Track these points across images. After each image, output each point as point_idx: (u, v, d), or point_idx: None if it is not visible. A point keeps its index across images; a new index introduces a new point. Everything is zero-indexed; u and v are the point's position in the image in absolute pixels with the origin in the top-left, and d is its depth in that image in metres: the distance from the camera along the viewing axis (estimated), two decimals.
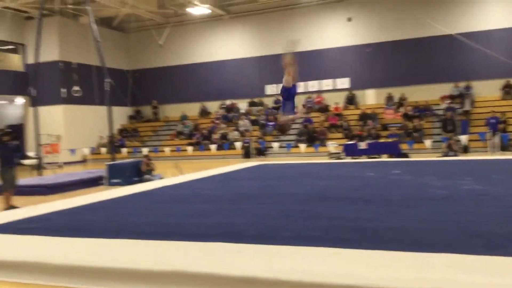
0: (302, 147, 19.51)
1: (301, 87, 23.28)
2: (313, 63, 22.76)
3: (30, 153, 18.50)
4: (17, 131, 19.05)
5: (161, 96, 25.93)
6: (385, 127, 20.14)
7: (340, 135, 20.55)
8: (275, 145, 20.33)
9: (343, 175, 10.90)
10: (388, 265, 3.76)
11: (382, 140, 18.19)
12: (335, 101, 22.38)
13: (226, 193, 8.96)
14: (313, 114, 22.25)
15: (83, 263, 4.28)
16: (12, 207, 8.72)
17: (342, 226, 5.39)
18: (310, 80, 23.07)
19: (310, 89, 23.21)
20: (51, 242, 5.19)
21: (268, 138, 21.61)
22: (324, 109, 22.42)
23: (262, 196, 8.18)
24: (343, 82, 22.74)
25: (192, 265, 4.01)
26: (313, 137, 20.50)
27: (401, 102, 21.12)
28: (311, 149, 19.50)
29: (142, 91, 23.69)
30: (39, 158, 15.72)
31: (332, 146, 18.38)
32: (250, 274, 3.73)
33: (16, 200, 9.14)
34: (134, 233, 5.38)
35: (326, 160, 16.90)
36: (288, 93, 7.19)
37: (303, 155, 19.05)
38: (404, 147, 17.34)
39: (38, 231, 5.81)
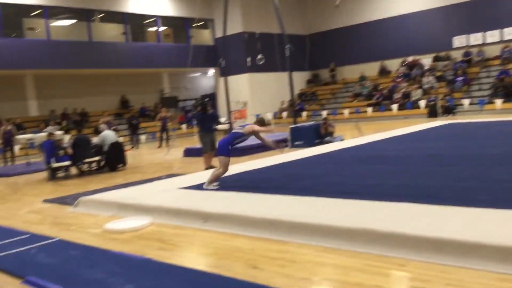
0: (498, 103, 17.42)
1: (495, 35, 20.71)
2: (510, 7, 19.91)
3: (222, 119, 20.39)
4: (211, 100, 21.12)
5: (338, 58, 25.75)
6: None
7: None
8: (466, 102, 18.56)
9: None
10: None
11: None
12: None
13: (411, 154, 8.60)
14: (510, 66, 19.60)
15: (280, 217, 4.61)
16: (211, 167, 9.78)
17: None
18: (507, 27, 20.27)
19: (507, 37, 20.42)
20: (252, 198, 5.71)
21: (457, 94, 19.82)
22: None
23: (451, 157, 7.64)
24: None
25: (382, 224, 3.99)
26: (511, 92, 18.12)
27: None
28: (509, 105, 17.29)
29: (319, 54, 23.87)
30: (229, 123, 17.21)
31: None
32: (447, 236, 3.55)
33: (214, 161, 10.22)
34: (322, 192, 5.56)
35: None
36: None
37: (498, 113, 17.03)
38: None
39: (237, 188, 6.44)
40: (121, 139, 12.30)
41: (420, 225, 3.87)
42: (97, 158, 11.16)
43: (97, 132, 12.04)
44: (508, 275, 3.11)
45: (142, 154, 15.58)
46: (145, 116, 23.36)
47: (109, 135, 11.34)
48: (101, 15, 22.05)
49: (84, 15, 20.89)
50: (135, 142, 17.99)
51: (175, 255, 4.30)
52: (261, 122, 7.21)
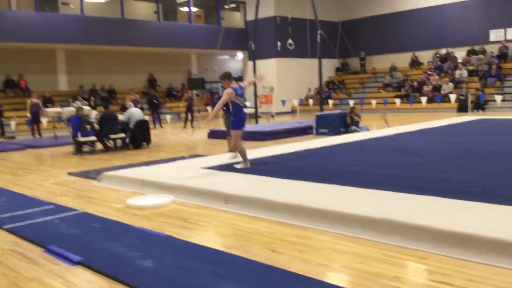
0: None
1: None
2: None
3: (248, 103, 20.36)
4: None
5: (369, 47, 25.28)
6: None
7: None
8: (498, 98, 18.04)
9: None
10: None
11: None
12: None
13: (439, 147, 8.42)
14: None
15: (301, 203, 4.58)
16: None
17: None
18: None
19: None
20: (273, 182, 5.69)
21: (489, 90, 19.26)
22: None
23: (481, 153, 7.44)
24: None
25: (404, 216, 3.91)
26: None
27: None
28: None
29: (350, 42, 23.51)
30: (255, 107, 17.18)
31: None
32: (470, 231, 3.46)
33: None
34: (344, 180, 5.50)
35: None
36: None
37: None
38: None
39: (260, 171, 6.43)
40: (147, 118, 12.40)
41: (444, 219, 3.78)
42: (122, 135, 11.30)
43: (124, 109, 12.17)
44: None
45: (167, 134, 15.72)
46: (171, 96, 23.53)
47: (135, 112, 11.45)
48: None
49: None
50: (156, 122, 18.04)
51: (195, 233, 4.32)
52: (226, 76, 6.95)
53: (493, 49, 21.04)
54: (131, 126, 11.23)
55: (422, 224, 3.72)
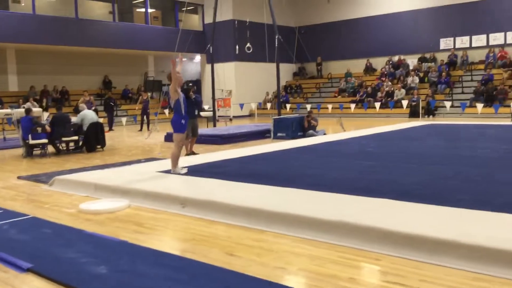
0: (479, 107, 17.68)
1: (481, 40, 21.00)
2: (498, 13, 20.20)
3: (206, 106, 20.26)
4: (196, 86, 20.92)
5: (326, 53, 25.75)
6: None
7: None
8: (447, 104, 18.79)
9: None
10: None
11: None
12: None
13: (392, 151, 8.67)
14: (494, 71, 19.90)
15: (259, 206, 4.59)
16: (192, 153, 9.71)
17: None
18: (493, 32, 20.56)
19: (493, 43, 20.70)
20: (231, 186, 5.67)
21: (439, 96, 20.04)
22: (508, 65, 19.85)
23: (431, 157, 7.72)
24: None
25: (359, 218, 4.00)
26: (492, 97, 18.41)
27: None
28: (490, 109, 17.57)
29: (307, 47, 23.85)
30: (213, 111, 17.10)
31: None
32: (423, 233, 3.57)
33: (195, 147, 10.15)
34: (301, 184, 5.55)
35: (507, 122, 15.08)
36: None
37: (479, 116, 17.29)
38: None
39: (218, 175, 6.40)
40: (101, 120, 12.11)
41: (397, 221, 3.89)
42: (75, 137, 10.97)
43: (77, 111, 11.83)
44: (482, 274, 3.14)
45: (122, 137, 15.40)
46: (127, 98, 23.08)
47: (88, 114, 11.16)
48: None
49: None
50: (111, 124, 17.67)
51: (151, 238, 4.24)
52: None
53: (443, 57, 21.92)
54: (84, 128, 10.93)
55: (375, 226, 3.82)
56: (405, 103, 19.74)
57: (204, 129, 14.02)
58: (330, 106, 21.51)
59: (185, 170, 6.77)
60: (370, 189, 5.21)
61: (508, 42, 20.40)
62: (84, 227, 4.60)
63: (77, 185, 6.41)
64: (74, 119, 11.24)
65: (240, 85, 23.92)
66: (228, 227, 4.45)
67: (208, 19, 22.70)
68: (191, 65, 27.24)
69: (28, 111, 10.87)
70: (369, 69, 24.35)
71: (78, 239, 4.20)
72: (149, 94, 19.17)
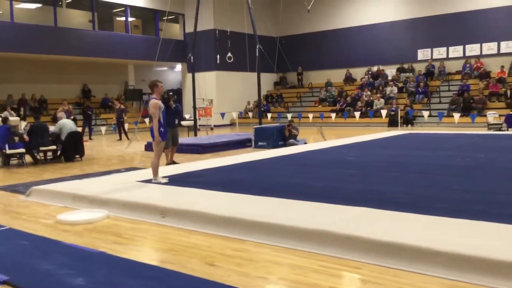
0: (456, 116, 18.03)
1: (458, 51, 21.47)
2: (474, 25, 20.69)
3: (187, 116, 20.20)
4: (176, 95, 20.81)
5: (307, 63, 25.98)
6: None
7: (501, 104, 18.51)
8: (425, 114, 19.11)
9: (506, 148, 9.87)
10: None
11: None
12: (498, 66, 20.10)
13: (371, 160, 8.75)
14: (470, 81, 20.34)
15: (239, 215, 4.58)
16: (173, 162, 9.64)
17: (504, 202, 4.91)
18: (470, 44, 21.06)
19: (469, 54, 21.18)
20: (212, 195, 5.65)
21: (417, 106, 20.38)
22: (484, 75, 20.32)
23: (410, 166, 7.82)
24: (509, 46, 20.25)
25: (339, 227, 4.02)
26: (469, 106, 18.79)
27: None
28: (467, 119, 17.93)
29: (288, 57, 23.99)
30: (194, 120, 17.05)
31: (492, 116, 16.64)
32: (401, 241, 3.61)
33: (176, 156, 10.09)
34: (282, 193, 5.56)
35: (484, 131, 15.40)
36: None
37: (456, 126, 17.62)
38: None
39: (198, 184, 6.36)
40: (80, 129, 11.97)
41: (376, 229, 3.93)
42: (53, 147, 10.80)
43: (55, 120, 11.66)
44: (459, 282, 3.19)
45: (102, 146, 15.22)
46: (107, 107, 22.86)
47: (67, 124, 11.02)
48: (68, 1, 21.41)
49: None
50: (89, 133, 17.48)
51: (129, 249, 4.19)
52: (153, 84, 6.71)
53: (420, 68, 22.32)
54: (62, 137, 10.77)
55: (356, 234, 3.84)
56: (384, 112, 20.00)
57: (185, 138, 13.96)
58: (311, 115, 21.66)
59: (165, 180, 6.72)
60: (351, 197, 5.25)
61: (484, 53, 20.89)
62: (62, 238, 4.51)
63: (55, 195, 6.30)
64: (52, 128, 11.08)
65: (221, 94, 23.93)
66: (208, 237, 4.43)
67: (189, 28, 22.70)
68: (172, 74, 27.16)
69: (5, 120, 10.67)
70: (349, 79, 24.63)
71: (56, 251, 4.12)
72: (121, 104, 18.96)
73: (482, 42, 20.80)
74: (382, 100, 21.27)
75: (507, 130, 14.98)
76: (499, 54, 20.48)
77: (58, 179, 7.81)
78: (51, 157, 11.01)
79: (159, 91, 6.77)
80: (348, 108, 21.76)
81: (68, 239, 4.50)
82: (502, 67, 19.85)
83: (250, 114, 23.50)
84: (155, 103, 6.58)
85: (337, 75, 24.91)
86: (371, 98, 21.66)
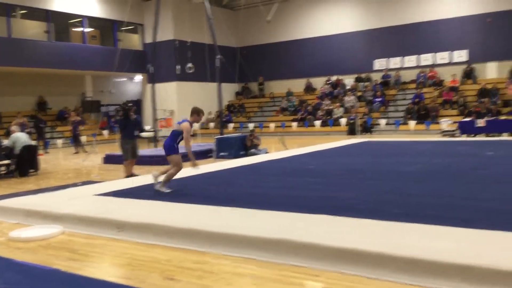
0: (412, 124, 18.58)
1: (412, 61, 22.18)
2: (427, 35, 21.45)
3: (147, 127, 19.90)
4: (136, 106, 20.50)
5: (267, 73, 26.19)
6: (507, 103, 18.43)
7: (454, 112, 19.22)
8: (382, 122, 19.61)
9: (460, 153, 10.23)
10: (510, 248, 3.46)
11: (503, 118, 16.66)
12: (451, 75, 20.89)
13: (331, 168, 8.87)
14: (425, 90, 21.03)
15: (199, 227, 4.51)
16: (132, 175, 9.45)
17: (460, 206, 5.07)
18: (423, 53, 21.81)
19: (423, 63, 21.92)
20: (171, 207, 5.55)
21: (375, 114, 20.89)
22: (437, 84, 21.07)
23: (368, 172, 7.97)
24: (461, 55, 21.10)
25: (298, 235, 4.03)
26: (424, 114, 19.41)
27: None
28: (422, 126, 18.50)
29: (249, 67, 24.14)
30: (154, 131, 16.83)
31: (446, 123, 17.26)
32: (359, 248, 3.65)
33: (136, 168, 9.90)
34: (243, 203, 5.54)
35: (438, 138, 15.92)
36: None
37: (412, 133, 18.16)
38: None
39: (157, 197, 6.26)
40: (34, 143, 11.57)
41: (334, 236, 3.96)
42: (7, 161, 10.39)
43: (8, 134, 11.24)
44: (416, 286, 3.24)
45: (58, 160, 14.77)
46: (63, 119, 22.24)
47: (21, 137, 10.63)
48: (22, 11, 20.78)
49: (4, 9, 19.55)
50: (44, 146, 16.98)
51: (85, 266, 4.05)
52: (197, 111, 6.80)
53: (377, 77, 22.91)
54: (16, 151, 10.39)
55: (314, 242, 3.86)
56: (343, 121, 20.39)
57: (145, 150, 13.73)
58: (272, 124, 21.82)
59: (169, 189, 6.64)
60: (311, 205, 5.28)
61: (437, 62, 21.66)
62: (14, 256, 4.33)
63: (6, 211, 6.04)
64: (5, 142, 10.67)
65: (182, 105, 23.70)
66: (167, 250, 4.34)
67: (149, 39, 22.48)
68: (131, 84, 26.75)
69: None
70: (309, 89, 24.99)
71: (7, 269, 3.95)
72: (77, 116, 18.52)
73: (435, 51, 21.58)
74: (341, 109, 21.67)
75: (460, 137, 15.55)
76: (451, 63, 21.29)
77: (12, 195, 7.49)
78: (5, 171, 10.58)
79: (196, 120, 6.84)
80: (309, 117, 22.04)
81: (21, 256, 4.32)
82: (454, 75, 20.63)
83: (212, 124, 23.41)
84: (189, 128, 6.62)
85: (297, 85, 25.22)
86: (331, 107, 22.03)
